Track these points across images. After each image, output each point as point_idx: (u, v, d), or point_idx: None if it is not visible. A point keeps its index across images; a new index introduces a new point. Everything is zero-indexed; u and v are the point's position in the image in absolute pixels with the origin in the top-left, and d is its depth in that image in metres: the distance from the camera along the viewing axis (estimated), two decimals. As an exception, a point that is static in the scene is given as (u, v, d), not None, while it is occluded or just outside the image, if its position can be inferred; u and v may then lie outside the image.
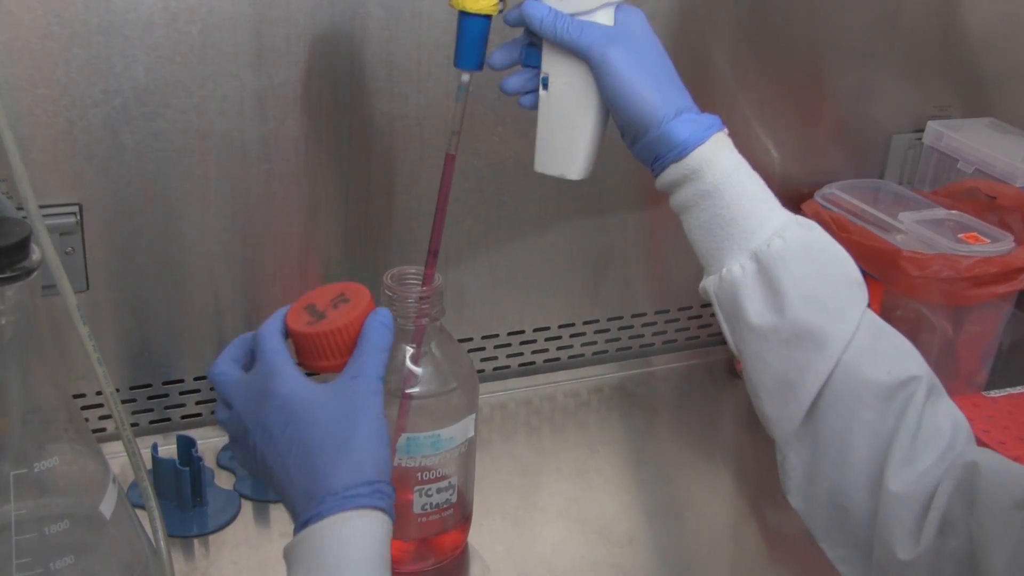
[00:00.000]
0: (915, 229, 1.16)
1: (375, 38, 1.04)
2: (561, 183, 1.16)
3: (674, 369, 1.32)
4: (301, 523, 0.69)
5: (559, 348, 1.28)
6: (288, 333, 0.76)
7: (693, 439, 1.21)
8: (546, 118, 0.87)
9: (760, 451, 1.20)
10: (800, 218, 0.81)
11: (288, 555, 0.69)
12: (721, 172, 0.80)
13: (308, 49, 1.02)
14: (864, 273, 1.18)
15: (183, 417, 1.12)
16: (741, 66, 1.20)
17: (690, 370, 1.33)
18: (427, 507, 0.94)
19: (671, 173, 0.81)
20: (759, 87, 1.21)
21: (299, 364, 0.75)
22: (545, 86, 0.85)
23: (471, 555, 1.01)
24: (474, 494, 1.00)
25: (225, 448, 1.10)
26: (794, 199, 1.29)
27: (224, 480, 1.06)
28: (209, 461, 1.07)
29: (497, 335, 1.24)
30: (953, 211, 1.20)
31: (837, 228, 1.19)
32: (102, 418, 1.07)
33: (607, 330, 1.30)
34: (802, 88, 1.22)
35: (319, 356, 0.75)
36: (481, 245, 1.18)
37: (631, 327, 1.31)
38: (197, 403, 1.12)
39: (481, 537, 1.02)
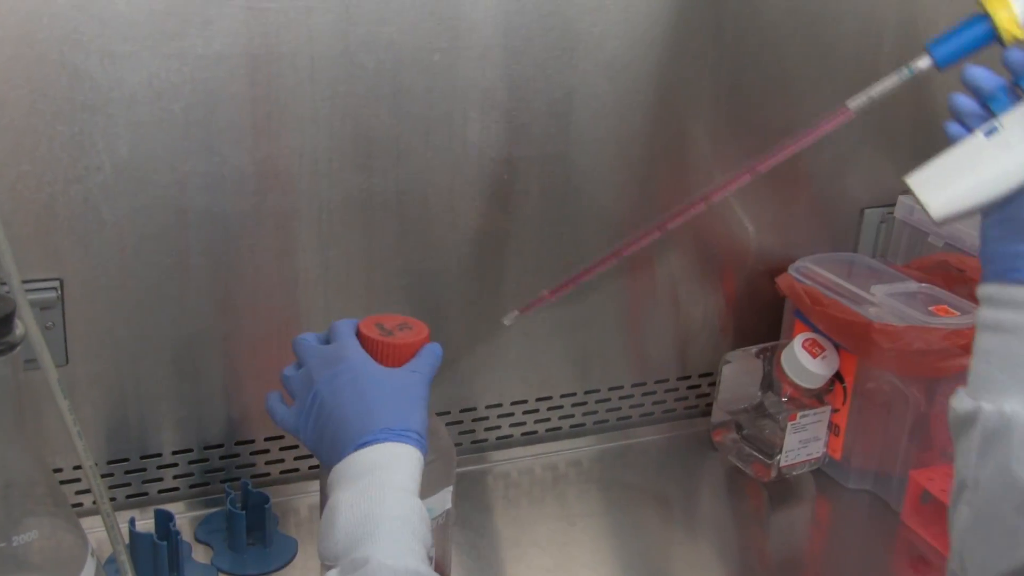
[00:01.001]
0: (887, 302, 1.17)
1: (355, 115, 1.06)
2: (540, 256, 1.18)
3: (652, 442, 1.32)
4: (353, 448, 0.78)
5: (537, 421, 1.28)
6: (360, 337, 0.87)
7: (672, 512, 1.21)
8: (962, 159, 0.81)
9: (739, 524, 1.21)
10: None
11: (336, 474, 0.78)
12: None
13: (289, 126, 1.03)
14: (837, 346, 1.20)
15: (160, 492, 1.12)
16: (718, 141, 1.23)
17: (668, 442, 1.33)
18: (406, 581, 0.94)
19: (1021, 294, 0.79)
20: (735, 162, 1.21)
21: None
22: (987, 134, 0.79)
23: (450, 630, 1.00)
24: (452, 568, 1.00)
25: (203, 522, 1.09)
26: (769, 272, 1.31)
27: (202, 555, 1.05)
28: (187, 536, 1.06)
29: (475, 408, 1.24)
30: (924, 284, 1.22)
31: (811, 301, 1.21)
32: (79, 492, 1.06)
33: (584, 403, 1.30)
34: (777, 164, 1.24)
35: (383, 361, 0.86)
36: (460, 319, 1.18)
37: (608, 400, 1.31)
38: (175, 477, 1.12)
39: (460, 611, 1.01)
